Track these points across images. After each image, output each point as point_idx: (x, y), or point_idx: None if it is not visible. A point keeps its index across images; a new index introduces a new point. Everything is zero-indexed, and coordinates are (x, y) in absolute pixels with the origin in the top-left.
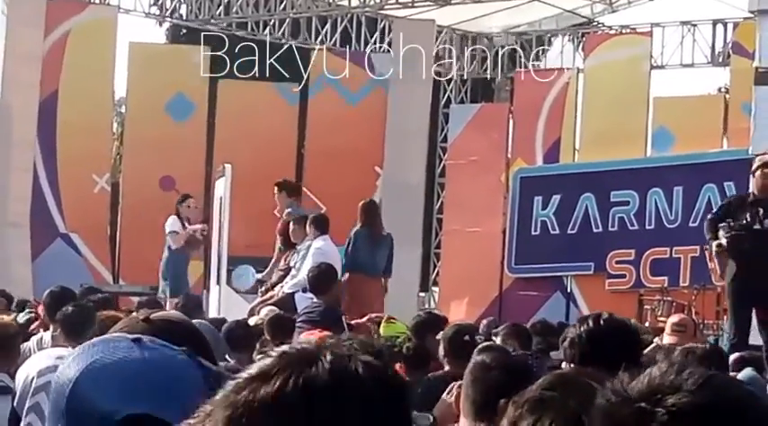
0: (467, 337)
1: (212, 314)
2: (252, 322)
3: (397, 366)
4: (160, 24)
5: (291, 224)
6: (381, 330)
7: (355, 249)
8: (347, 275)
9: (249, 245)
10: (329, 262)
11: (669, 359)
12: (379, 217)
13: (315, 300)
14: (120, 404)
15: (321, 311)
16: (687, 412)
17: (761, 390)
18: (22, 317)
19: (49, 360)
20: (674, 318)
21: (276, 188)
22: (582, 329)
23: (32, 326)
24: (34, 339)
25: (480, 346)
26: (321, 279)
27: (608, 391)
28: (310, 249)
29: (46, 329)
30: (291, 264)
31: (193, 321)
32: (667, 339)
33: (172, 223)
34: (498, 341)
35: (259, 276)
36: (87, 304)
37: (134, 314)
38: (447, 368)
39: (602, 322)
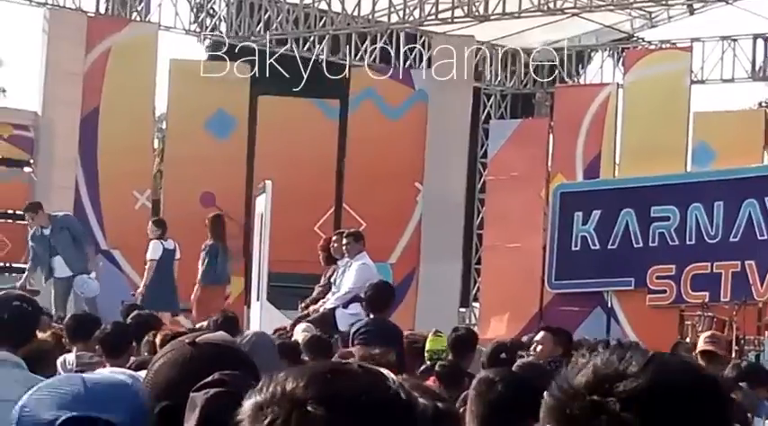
0: (503, 355)
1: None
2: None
3: (432, 381)
4: (200, 41)
5: (333, 239)
6: (428, 343)
7: (216, 263)
8: (203, 287)
9: (290, 261)
10: (385, 280)
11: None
12: (225, 230)
13: (371, 317)
14: (60, 412)
15: (380, 329)
16: (636, 397)
17: None
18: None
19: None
20: (707, 333)
21: (28, 215)
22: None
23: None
24: (59, 360)
25: (518, 362)
26: (380, 297)
27: (554, 388)
28: (352, 265)
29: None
30: (332, 280)
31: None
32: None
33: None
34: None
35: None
36: (125, 323)
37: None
38: None
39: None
